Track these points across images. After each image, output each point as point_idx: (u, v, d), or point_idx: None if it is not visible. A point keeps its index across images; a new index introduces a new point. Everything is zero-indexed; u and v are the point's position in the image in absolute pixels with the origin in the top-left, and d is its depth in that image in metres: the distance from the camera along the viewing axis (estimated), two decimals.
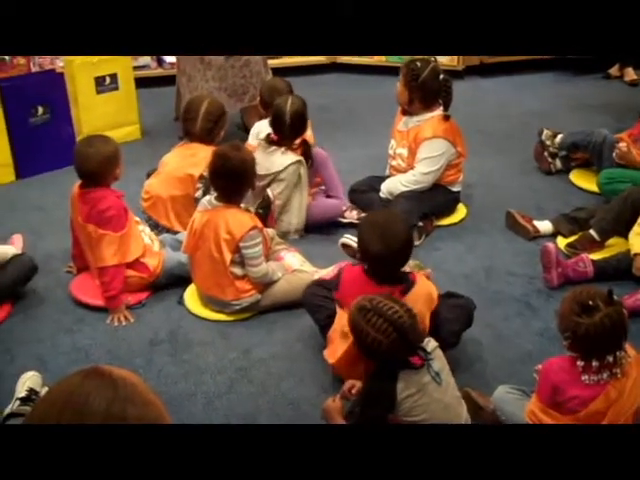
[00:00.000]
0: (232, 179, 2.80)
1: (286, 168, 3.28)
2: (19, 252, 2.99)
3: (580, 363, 2.07)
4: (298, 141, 3.35)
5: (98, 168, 2.85)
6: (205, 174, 3.20)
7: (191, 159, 3.26)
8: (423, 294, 2.42)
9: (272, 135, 3.35)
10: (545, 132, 3.97)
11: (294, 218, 3.35)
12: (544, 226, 3.38)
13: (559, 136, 3.93)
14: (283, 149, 3.31)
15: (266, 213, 3.04)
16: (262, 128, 3.70)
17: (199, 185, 3.24)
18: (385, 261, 2.41)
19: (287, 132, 3.31)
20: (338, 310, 2.51)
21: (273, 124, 3.34)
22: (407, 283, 2.41)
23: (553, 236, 3.35)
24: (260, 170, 3.14)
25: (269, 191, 3.04)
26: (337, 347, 2.48)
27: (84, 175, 2.89)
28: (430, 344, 2.18)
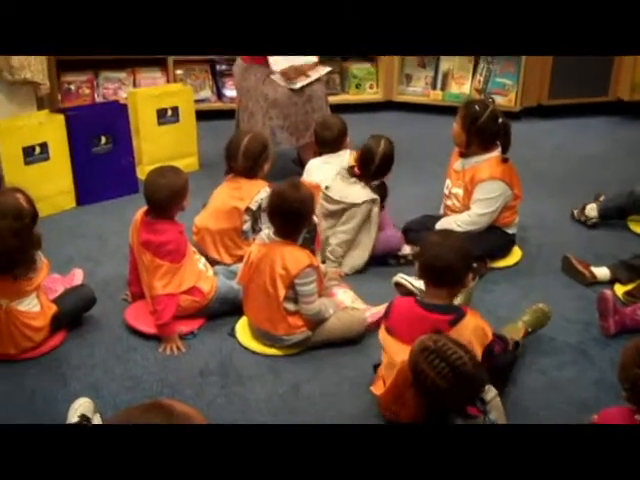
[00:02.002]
0: (290, 218, 2.82)
1: (362, 203, 3.34)
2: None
3: (638, 417, 2.02)
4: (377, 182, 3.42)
5: (167, 199, 2.92)
6: (251, 207, 3.26)
7: (237, 192, 3.32)
8: (472, 326, 2.41)
9: (355, 169, 3.40)
10: (575, 212, 3.87)
11: (360, 254, 3.39)
12: (601, 272, 3.32)
13: (590, 206, 3.83)
14: (363, 184, 3.37)
15: (312, 237, 3.07)
16: (315, 165, 3.75)
17: (246, 218, 3.30)
18: (439, 264, 2.40)
19: (372, 171, 3.37)
20: (386, 338, 2.50)
21: (361, 160, 3.39)
22: (457, 314, 2.41)
23: (610, 283, 3.28)
24: (334, 195, 3.36)
25: (315, 217, 3.09)
26: (385, 378, 2.49)
27: (152, 204, 2.95)
28: (489, 393, 2.14)
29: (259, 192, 3.27)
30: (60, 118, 3.93)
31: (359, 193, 3.36)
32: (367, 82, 5.54)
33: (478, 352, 2.36)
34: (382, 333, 2.55)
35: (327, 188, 3.44)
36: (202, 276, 3.03)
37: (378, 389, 2.52)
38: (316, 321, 2.88)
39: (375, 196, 3.37)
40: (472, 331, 2.40)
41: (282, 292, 2.79)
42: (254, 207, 3.28)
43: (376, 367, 2.63)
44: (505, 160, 3.36)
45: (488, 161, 3.35)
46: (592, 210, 3.83)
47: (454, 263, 2.42)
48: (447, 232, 2.79)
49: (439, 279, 2.44)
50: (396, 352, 2.43)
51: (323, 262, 3.30)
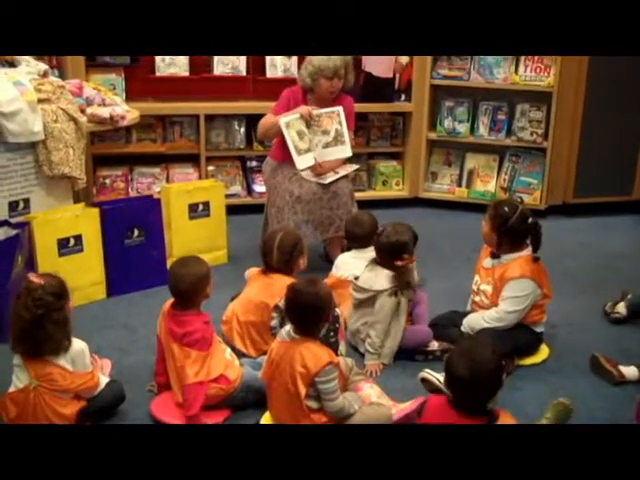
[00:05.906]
0: (306, 314, 2.84)
1: (388, 289, 3.37)
2: (108, 379, 3.07)
3: None
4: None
5: (189, 288, 3.00)
6: (280, 304, 3.28)
7: (269, 288, 3.38)
8: None
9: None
10: (607, 305, 3.92)
11: (390, 345, 3.41)
12: (630, 371, 3.29)
13: (621, 305, 3.87)
14: (388, 271, 3.42)
15: (336, 329, 3.10)
16: (344, 260, 3.80)
17: (274, 315, 3.33)
18: (469, 388, 2.40)
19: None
20: None
21: (394, 250, 3.45)
22: (491, 416, 2.43)
23: (639, 382, 3.25)
24: (362, 284, 3.43)
25: (337, 310, 3.12)
26: None
27: (176, 294, 3.04)
28: None
29: None
30: (95, 211, 4.04)
31: (385, 280, 3.41)
32: (393, 179, 5.67)
33: None
34: None
35: (356, 278, 3.50)
36: (229, 365, 3.06)
37: None
38: (341, 417, 2.86)
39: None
40: None
41: (303, 390, 2.78)
42: (283, 305, 3.31)
43: None
44: (536, 259, 3.38)
45: (518, 260, 3.38)
46: (621, 307, 3.85)
47: (482, 383, 2.41)
48: (476, 344, 2.63)
49: (467, 392, 2.43)
50: None
51: (362, 355, 3.36)
